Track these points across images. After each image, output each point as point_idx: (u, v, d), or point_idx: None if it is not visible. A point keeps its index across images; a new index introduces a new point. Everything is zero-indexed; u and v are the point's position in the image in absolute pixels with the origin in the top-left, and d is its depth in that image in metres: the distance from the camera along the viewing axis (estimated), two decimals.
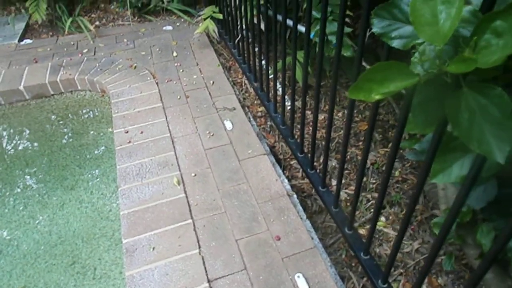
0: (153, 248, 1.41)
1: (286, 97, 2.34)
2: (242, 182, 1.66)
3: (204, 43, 2.71)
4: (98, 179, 2.07)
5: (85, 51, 2.68)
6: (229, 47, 2.53)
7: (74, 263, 1.69)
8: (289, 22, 2.13)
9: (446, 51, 0.57)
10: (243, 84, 2.55)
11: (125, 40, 2.80)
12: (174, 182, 1.66)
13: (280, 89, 2.29)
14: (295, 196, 1.68)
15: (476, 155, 0.65)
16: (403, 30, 0.67)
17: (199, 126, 1.97)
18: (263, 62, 1.92)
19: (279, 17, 1.87)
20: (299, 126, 2.13)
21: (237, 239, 1.42)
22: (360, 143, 2.24)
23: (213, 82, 2.31)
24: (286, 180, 1.75)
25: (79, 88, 2.46)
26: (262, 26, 2.06)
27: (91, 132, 2.32)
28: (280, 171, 1.79)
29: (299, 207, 1.62)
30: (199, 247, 1.40)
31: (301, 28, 2.09)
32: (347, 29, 1.89)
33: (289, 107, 2.07)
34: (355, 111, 2.47)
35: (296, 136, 1.83)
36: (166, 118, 2.03)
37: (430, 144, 0.78)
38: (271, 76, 2.16)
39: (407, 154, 1.86)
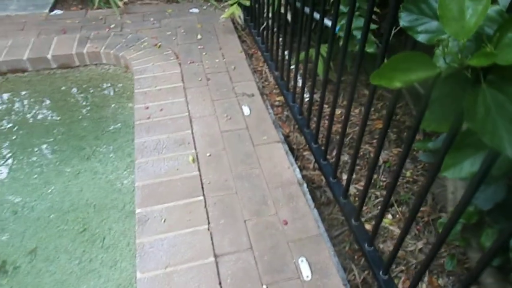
0: (164, 220, 1.46)
1: (305, 88, 2.37)
2: (255, 166, 1.70)
3: (228, 28, 2.74)
4: (113, 153, 2.13)
5: (112, 26, 2.74)
6: (253, 35, 2.55)
7: (84, 230, 1.75)
8: (316, 15, 2.14)
9: (469, 47, 0.59)
10: (263, 73, 2.57)
11: (151, 19, 2.84)
12: (189, 160, 1.70)
13: (300, 80, 2.31)
14: (305, 185, 1.72)
15: (487, 152, 0.68)
16: (429, 25, 0.69)
17: (217, 109, 2.02)
18: (286, 52, 1.94)
19: (307, 9, 1.89)
20: (315, 119, 2.16)
21: (245, 219, 1.47)
22: (374, 141, 2.25)
23: (234, 68, 2.35)
24: (297, 169, 1.78)
25: (104, 61, 2.52)
26: (289, 17, 2.08)
27: (112, 106, 2.38)
28: (293, 160, 1.82)
29: (308, 196, 1.65)
30: (208, 223, 1.45)
31: (327, 22, 2.10)
32: (373, 26, 1.89)
33: (307, 99, 2.10)
34: (372, 109, 2.47)
35: (311, 127, 1.85)
36: (186, 98, 2.07)
37: (444, 139, 0.80)
38: (292, 67, 2.18)
39: (420, 155, 1.87)
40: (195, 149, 1.77)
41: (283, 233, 1.43)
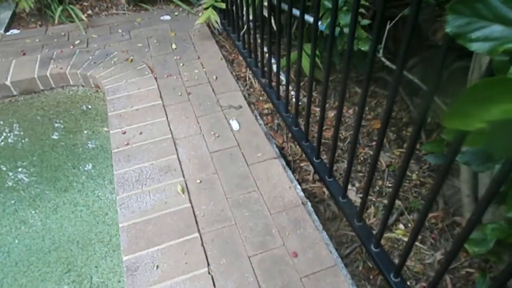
0: (157, 267, 1.27)
1: (292, 92, 2.20)
2: (253, 189, 1.52)
3: (205, 34, 2.54)
4: (93, 181, 1.93)
5: (77, 42, 2.50)
6: (232, 39, 2.36)
7: (69, 271, 1.59)
8: (296, 12, 1.97)
9: None
10: (247, 79, 2.39)
11: (120, 30, 2.61)
12: (178, 189, 1.51)
13: (291, 86, 2.14)
14: (309, 204, 1.55)
15: None
16: (490, 30, 0.52)
17: (203, 126, 1.82)
18: (273, 57, 1.76)
19: (285, 7, 1.72)
20: (312, 127, 1.99)
21: (249, 255, 1.29)
22: (374, 143, 2.10)
23: (216, 77, 2.15)
24: (298, 186, 1.61)
25: (71, 83, 2.28)
26: (273, 20, 1.91)
27: (85, 131, 2.17)
28: (292, 176, 1.65)
29: (315, 217, 1.49)
30: (208, 264, 1.26)
31: (310, 19, 1.93)
32: (364, 21, 1.73)
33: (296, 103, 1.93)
34: (366, 108, 2.33)
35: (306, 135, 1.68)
36: (167, 117, 1.87)
37: (499, 170, 0.64)
38: (282, 77, 2.01)
39: (428, 157, 1.74)
40: (183, 176, 1.57)
41: (294, 268, 1.25)
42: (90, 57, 2.32)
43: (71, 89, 2.30)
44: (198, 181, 1.55)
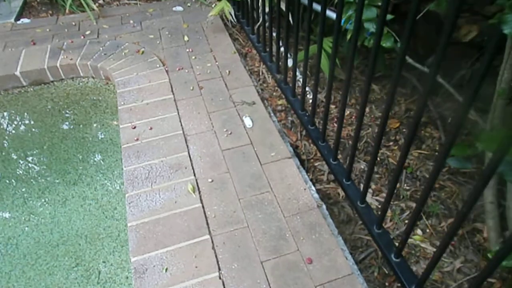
0: (166, 269, 1.22)
1: (309, 89, 2.13)
2: (266, 190, 1.46)
3: (218, 26, 2.47)
4: (102, 174, 1.90)
5: (87, 33, 2.45)
6: (246, 32, 2.29)
7: (77, 265, 1.57)
8: (316, 6, 1.89)
9: None
10: (260, 74, 2.32)
11: (131, 21, 2.56)
12: (189, 189, 1.46)
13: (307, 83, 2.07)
14: (324, 206, 1.49)
15: None
16: None
17: (215, 123, 1.76)
18: (289, 52, 1.69)
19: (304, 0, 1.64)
20: (327, 126, 1.92)
21: (262, 260, 1.23)
22: (391, 143, 2.03)
23: (229, 72, 2.09)
24: (313, 188, 1.55)
25: (81, 74, 2.23)
26: (290, 13, 1.83)
27: (95, 124, 2.13)
28: (307, 176, 1.59)
29: (330, 220, 1.43)
30: (219, 269, 1.21)
31: (331, 14, 1.85)
32: (387, 16, 1.64)
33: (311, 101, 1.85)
34: (382, 106, 2.25)
35: (325, 136, 1.61)
36: (178, 112, 1.82)
37: None
38: (299, 75, 1.93)
39: (449, 160, 1.66)
40: (194, 174, 1.52)
41: (308, 275, 1.20)
42: (101, 48, 2.27)
43: (81, 80, 2.26)
44: (210, 180, 1.50)
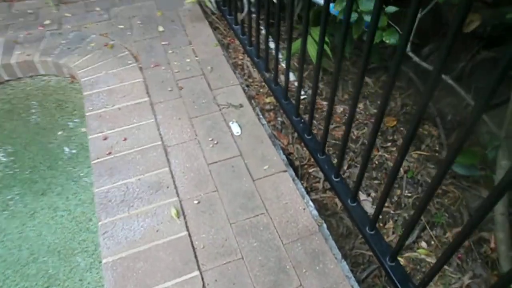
0: None
1: (303, 92, 1.94)
2: (261, 212, 1.29)
3: (196, 14, 2.22)
4: (74, 182, 1.71)
5: (47, 22, 2.15)
6: (228, 22, 2.06)
7: (50, 285, 1.42)
8: None
9: None
10: (245, 67, 2.11)
11: (97, 8, 2.27)
12: (172, 213, 1.27)
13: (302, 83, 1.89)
14: (325, 226, 1.34)
15: None
16: None
17: (199, 130, 1.56)
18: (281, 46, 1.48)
19: None
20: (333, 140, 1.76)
21: None
22: (389, 144, 1.88)
23: (211, 68, 1.87)
24: (311, 203, 1.39)
25: (42, 72, 1.96)
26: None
27: (62, 127, 1.89)
28: (304, 191, 1.43)
29: (332, 243, 1.28)
30: None
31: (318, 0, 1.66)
32: (390, 8, 1.46)
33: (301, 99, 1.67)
34: (377, 102, 2.10)
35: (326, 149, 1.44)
36: (156, 119, 1.60)
37: None
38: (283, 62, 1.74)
39: (454, 167, 1.54)
40: (178, 195, 1.33)
41: None
42: (63, 42, 1.99)
43: (42, 79, 1.99)
44: (196, 201, 1.31)
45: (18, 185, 1.71)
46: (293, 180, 1.43)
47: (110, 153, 1.47)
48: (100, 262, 1.43)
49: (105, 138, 1.52)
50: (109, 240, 1.21)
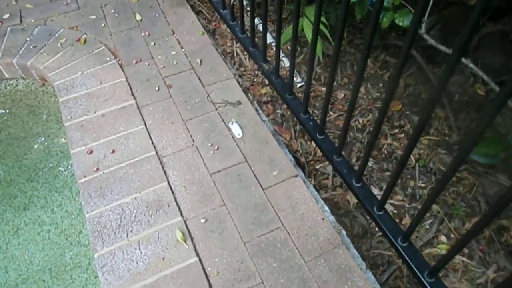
0: None
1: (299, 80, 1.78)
2: (276, 226, 1.16)
3: None
4: (58, 193, 1.57)
5: (5, 16, 1.89)
6: (214, 6, 1.85)
7: None
8: None
9: None
10: (235, 55, 1.93)
11: None
12: (178, 237, 1.13)
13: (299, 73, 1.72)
14: (344, 232, 1.23)
15: None
16: None
17: (195, 134, 1.40)
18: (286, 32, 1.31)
19: None
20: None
21: None
22: (396, 130, 1.77)
23: (200, 61, 1.68)
24: (327, 208, 1.28)
25: (6, 76, 1.73)
26: None
27: (38, 135, 1.70)
28: (316, 193, 1.31)
29: (354, 252, 1.18)
30: None
31: None
32: None
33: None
34: (380, 85, 1.97)
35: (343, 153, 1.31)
36: (145, 124, 1.42)
37: None
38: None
39: (475, 156, 1.45)
40: (181, 214, 1.18)
41: None
42: (28, 39, 1.75)
43: (8, 83, 1.76)
44: (203, 219, 1.17)
45: None
46: (307, 186, 1.30)
47: (98, 169, 1.29)
48: (96, 277, 1.31)
49: (90, 152, 1.34)
50: (110, 275, 1.06)
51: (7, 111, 1.75)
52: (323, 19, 1.73)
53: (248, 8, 2.00)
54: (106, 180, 1.26)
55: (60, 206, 1.54)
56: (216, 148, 1.36)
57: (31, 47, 1.71)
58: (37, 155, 1.66)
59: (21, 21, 1.86)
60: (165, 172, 1.28)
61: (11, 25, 1.84)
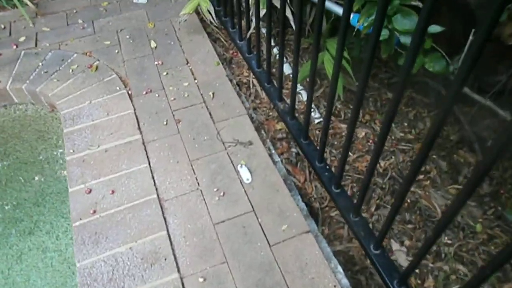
0: None
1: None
2: None
3: (193, 24, 1.93)
4: (64, 219, 1.53)
5: (21, 39, 1.87)
6: (231, 37, 1.77)
7: None
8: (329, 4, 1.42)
9: None
10: (251, 86, 1.84)
11: (80, 20, 1.97)
12: None
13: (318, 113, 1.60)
14: None
15: None
16: None
17: (201, 177, 1.30)
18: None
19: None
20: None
21: None
22: (421, 176, 1.63)
23: (213, 94, 1.60)
24: (340, 269, 1.15)
25: (16, 101, 1.69)
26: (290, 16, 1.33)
27: (46, 160, 1.68)
28: (330, 252, 1.18)
29: None
30: None
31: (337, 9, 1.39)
32: (434, 28, 1.18)
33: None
34: (405, 124, 1.83)
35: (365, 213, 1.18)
36: (149, 163, 1.34)
37: None
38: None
39: (508, 212, 1.29)
40: (178, 270, 1.08)
41: None
42: (40, 64, 1.72)
43: (17, 108, 1.72)
44: (201, 279, 1.06)
45: (1, 225, 1.54)
46: (317, 238, 1.18)
47: (95, 212, 1.21)
48: None
49: (89, 191, 1.26)
50: None
51: (16, 136, 1.71)
52: (345, 53, 1.63)
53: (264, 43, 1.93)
54: (102, 224, 1.18)
55: (65, 232, 1.51)
56: (222, 194, 1.25)
57: (42, 72, 1.67)
58: (45, 179, 1.63)
59: (36, 45, 1.84)
60: (165, 219, 1.19)
61: (25, 48, 1.81)
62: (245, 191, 1.26)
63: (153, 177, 1.29)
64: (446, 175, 1.64)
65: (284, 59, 1.88)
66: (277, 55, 1.26)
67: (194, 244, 1.13)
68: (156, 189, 1.26)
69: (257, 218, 1.19)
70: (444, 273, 1.37)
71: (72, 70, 1.69)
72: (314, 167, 1.21)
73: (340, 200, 1.11)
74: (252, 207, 1.22)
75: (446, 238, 1.45)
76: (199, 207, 1.22)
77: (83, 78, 1.65)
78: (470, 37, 1.15)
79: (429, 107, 1.91)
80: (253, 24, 1.46)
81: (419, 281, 1.35)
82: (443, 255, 1.41)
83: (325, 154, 1.22)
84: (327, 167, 1.20)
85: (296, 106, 1.58)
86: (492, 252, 1.41)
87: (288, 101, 1.32)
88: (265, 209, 1.21)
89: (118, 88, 1.60)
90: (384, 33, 1.33)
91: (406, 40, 1.23)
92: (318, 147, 1.21)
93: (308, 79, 1.13)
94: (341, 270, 1.16)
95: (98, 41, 1.84)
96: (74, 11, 2.03)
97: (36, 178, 1.63)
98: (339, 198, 1.12)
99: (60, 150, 1.65)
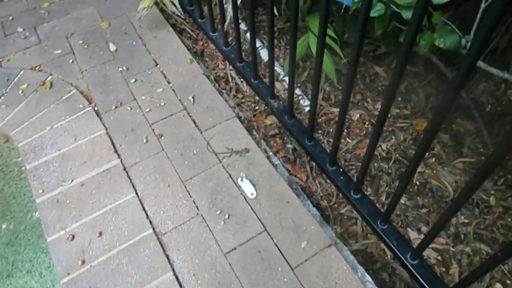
0: None
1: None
2: None
3: (154, 17, 1.70)
4: (44, 254, 1.34)
5: None
6: (202, 28, 1.56)
7: None
8: None
9: None
10: (230, 80, 1.66)
11: (20, 28, 1.69)
12: None
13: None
14: None
15: None
16: None
17: (199, 199, 1.14)
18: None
19: None
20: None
21: None
22: (427, 154, 1.54)
23: (193, 98, 1.41)
24: (369, 278, 1.05)
25: None
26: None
27: (12, 195, 1.44)
28: (355, 261, 1.07)
29: None
30: None
31: None
32: None
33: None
34: (399, 99, 1.73)
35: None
36: (136, 191, 1.16)
37: None
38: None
39: None
40: None
41: None
42: None
43: None
44: None
45: None
46: (336, 245, 1.07)
47: (84, 263, 1.03)
48: None
49: (72, 238, 1.07)
50: None
51: None
52: (330, 32, 1.48)
53: (246, 28, 1.73)
54: (95, 276, 1.00)
55: (49, 268, 1.33)
56: (226, 216, 1.10)
57: None
58: (13, 215, 1.41)
59: None
60: (167, 257, 1.03)
61: None
62: (251, 209, 1.12)
63: (143, 208, 1.12)
64: (450, 149, 1.56)
65: (261, 44, 1.71)
66: (262, 46, 1.09)
67: (207, 282, 0.99)
68: (150, 222, 1.09)
69: (272, 239, 1.06)
70: (467, 255, 1.31)
71: (22, 91, 1.43)
72: (325, 172, 1.08)
73: (363, 207, 0.99)
74: (264, 226, 1.08)
75: (462, 217, 1.39)
76: (204, 236, 1.07)
77: (37, 99, 1.41)
78: (482, 4, 1.02)
79: (419, 76, 1.81)
80: (229, 15, 1.26)
81: (443, 269, 1.29)
82: (462, 236, 1.35)
83: (336, 163, 1.09)
84: (340, 169, 1.07)
85: (281, 92, 1.41)
86: (510, 224, 1.36)
87: (286, 98, 1.16)
88: (278, 226, 1.08)
89: (81, 105, 1.38)
90: (379, 8, 1.19)
91: (407, 14, 1.09)
92: (324, 146, 1.08)
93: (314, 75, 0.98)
94: (369, 278, 1.06)
95: (47, 51, 1.58)
96: (11, 18, 1.73)
97: (5, 216, 1.41)
98: (362, 204, 1.00)
99: (25, 183, 1.43)
